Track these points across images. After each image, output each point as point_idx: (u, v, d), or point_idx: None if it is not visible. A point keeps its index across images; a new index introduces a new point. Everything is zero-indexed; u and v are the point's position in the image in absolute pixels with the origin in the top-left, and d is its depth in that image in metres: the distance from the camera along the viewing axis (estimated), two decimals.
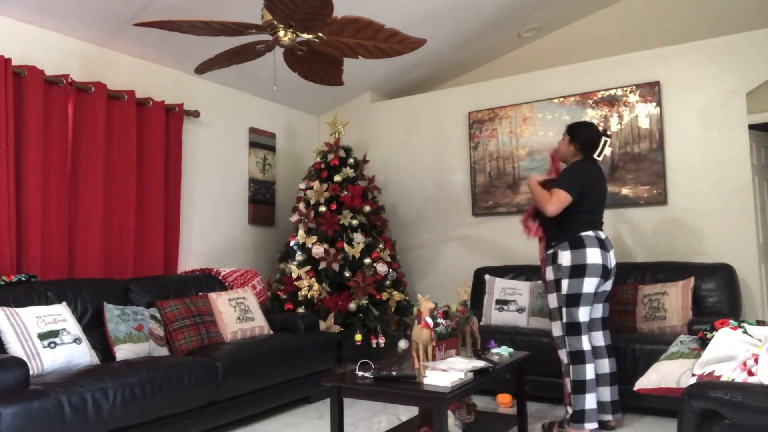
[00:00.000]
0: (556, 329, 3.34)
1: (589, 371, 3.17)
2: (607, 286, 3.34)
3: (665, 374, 2.07)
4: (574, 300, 3.20)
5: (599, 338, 3.38)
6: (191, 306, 3.90)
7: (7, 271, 3.41)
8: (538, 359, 3.96)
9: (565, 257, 3.22)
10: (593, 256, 3.18)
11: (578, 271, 3.19)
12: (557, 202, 3.24)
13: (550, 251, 3.35)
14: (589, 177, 3.31)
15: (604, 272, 3.23)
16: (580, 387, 3.17)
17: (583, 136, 3.41)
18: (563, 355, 3.30)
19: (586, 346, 3.20)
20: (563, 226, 3.30)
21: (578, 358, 3.19)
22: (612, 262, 3.29)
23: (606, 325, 3.42)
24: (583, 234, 3.23)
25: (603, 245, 3.25)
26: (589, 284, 3.18)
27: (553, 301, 3.32)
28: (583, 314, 3.20)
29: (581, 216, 3.28)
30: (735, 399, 1.66)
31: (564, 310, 3.24)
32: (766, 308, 4.33)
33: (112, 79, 4.22)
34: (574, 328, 3.22)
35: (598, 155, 3.41)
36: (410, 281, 5.61)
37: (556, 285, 3.27)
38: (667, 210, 4.53)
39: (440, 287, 5.49)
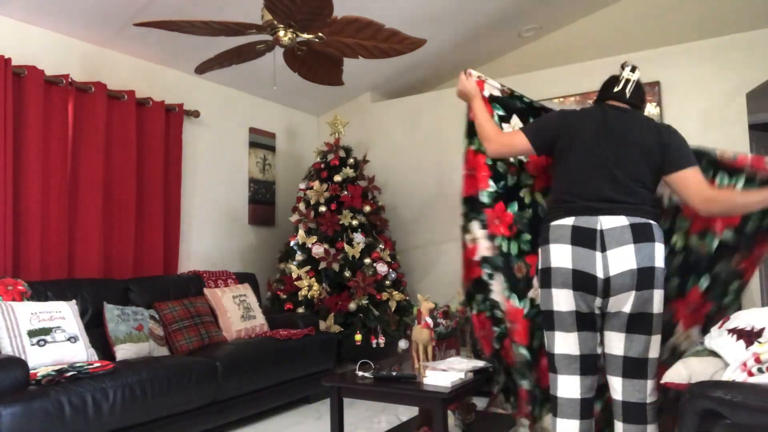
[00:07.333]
0: None
1: (561, 429, 2.15)
2: (624, 305, 2.07)
3: (697, 371, 1.98)
4: (547, 320, 2.22)
5: (617, 388, 2.14)
6: (190, 307, 3.90)
7: (7, 271, 3.41)
8: None
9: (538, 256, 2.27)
10: (558, 256, 2.12)
11: (544, 278, 2.18)
12: (500, 144, 2.38)
13: None
14: (580, 126, 2.26)
15: (584, 283, 2.07)
16: None
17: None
18: None
19: (562, 391, 2.16)
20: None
21: (552, 407, 2.22)
22: (613, 268, 2.04)
23: (635, 370, 2.10)
24: (553, 223, 2.17)
25: (584, 240, 2.07)
26: (561, 298, 2.12)
27: None
28: (561, 343, 2.17)
29: (555, 192, 2.28)
30: (735, 399, 1.65)
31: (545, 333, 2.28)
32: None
33: (112, 79, 4.22)
34: (550, 363, 2.23)
35: (619, 93, 2.43)
36: (410, 281, 5.60)
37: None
38: None
39: (440, 287, 5.48)
